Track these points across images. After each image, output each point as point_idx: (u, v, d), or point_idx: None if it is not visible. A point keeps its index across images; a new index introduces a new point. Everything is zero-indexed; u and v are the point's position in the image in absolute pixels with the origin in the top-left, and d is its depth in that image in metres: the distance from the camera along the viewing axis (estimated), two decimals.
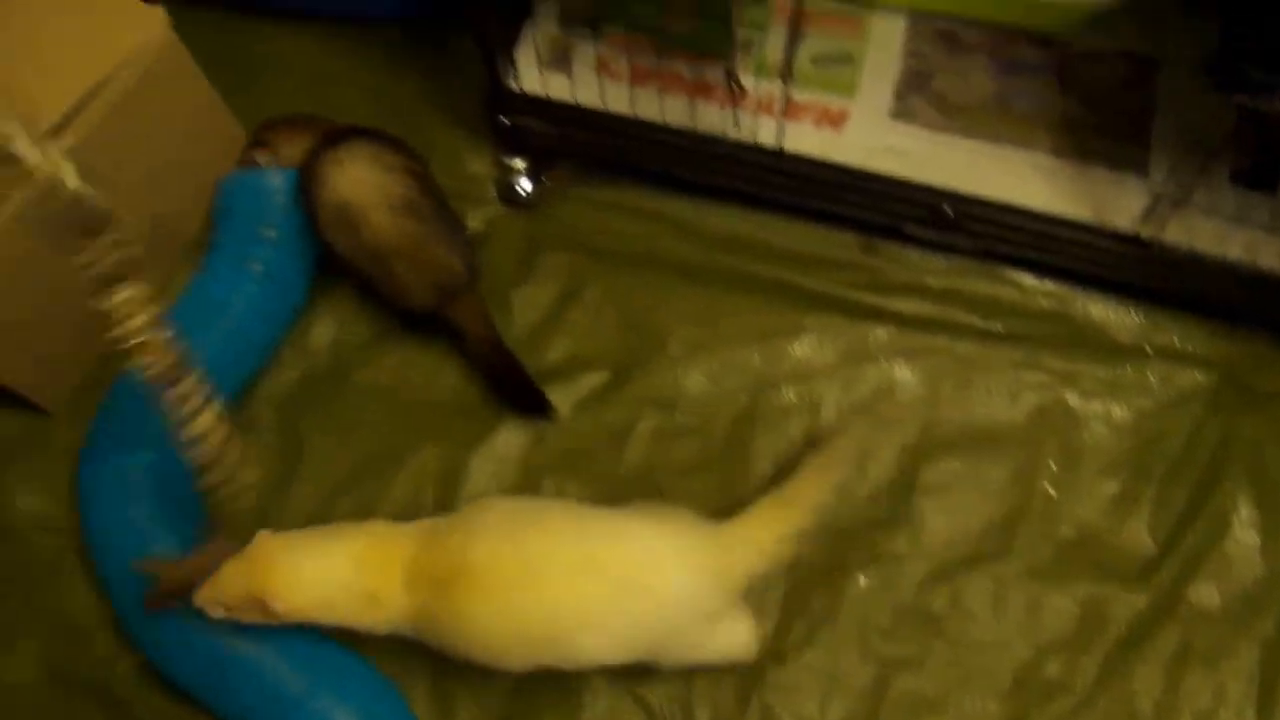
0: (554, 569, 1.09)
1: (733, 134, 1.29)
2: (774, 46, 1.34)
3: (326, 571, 1.10)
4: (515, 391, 1.37)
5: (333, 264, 1.37)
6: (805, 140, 1.32)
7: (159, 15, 1.26)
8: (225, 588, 1.09)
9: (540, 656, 1.12)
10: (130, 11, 1.27)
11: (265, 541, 1.10)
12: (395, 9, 1.54)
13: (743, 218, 1.43)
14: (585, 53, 1.35)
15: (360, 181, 1.31)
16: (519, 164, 1.43)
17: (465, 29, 1.49)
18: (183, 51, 1.30)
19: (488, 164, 1.48)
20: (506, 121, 1.36)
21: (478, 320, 1.37)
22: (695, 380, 1.37)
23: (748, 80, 1.31)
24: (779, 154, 1.30)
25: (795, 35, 1.13)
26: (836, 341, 1.36)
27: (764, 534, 1.15)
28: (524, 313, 1.41)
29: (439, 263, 1.33)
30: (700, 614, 1.13)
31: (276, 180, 1.40)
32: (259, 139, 1.41)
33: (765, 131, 1.30)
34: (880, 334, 1.36)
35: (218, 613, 1.10)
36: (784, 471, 1.24)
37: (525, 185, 1.44)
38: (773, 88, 1.28)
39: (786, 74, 1.18)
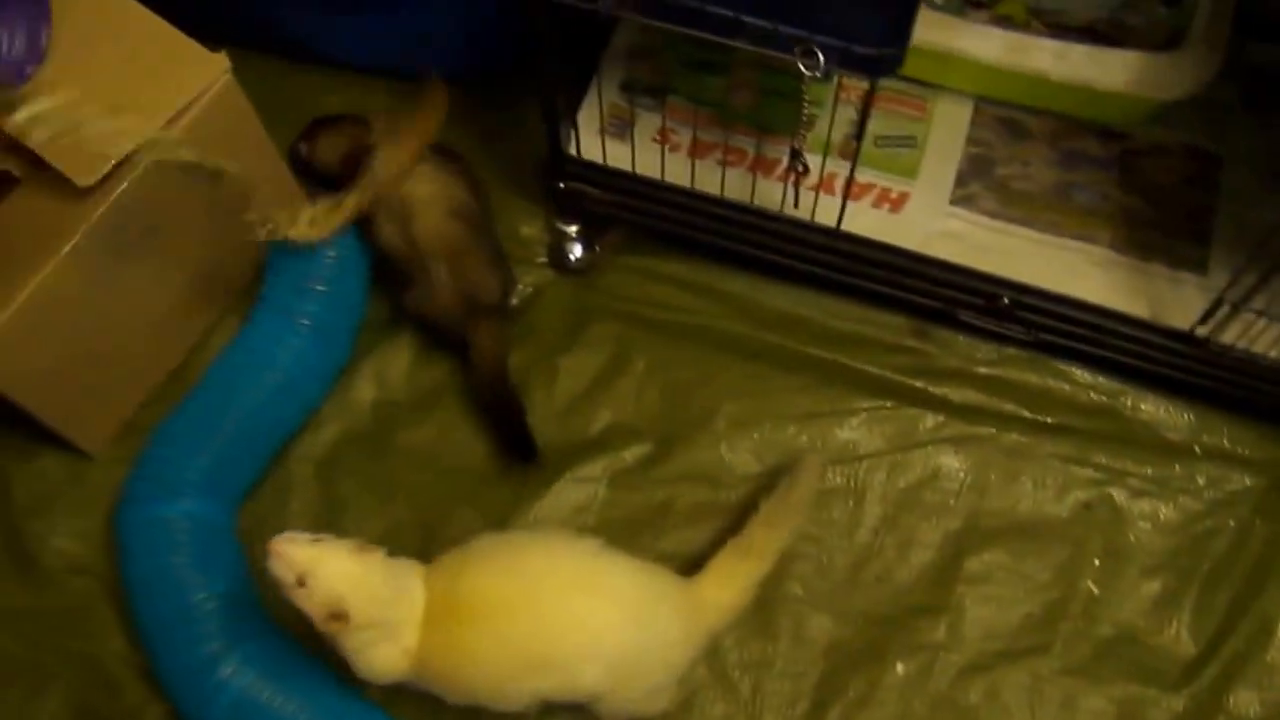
0: (551, 590, 1.10)
1: (790, 211, 1.27)
2: (834, 124, 1.32)
3: (398, 601, 1.10)
4: (509, 430, 1.37)
5: (373, 255, 1.40)
6: (863, 221, 1.32)
7: (221, 61, 1.26)
8: (327, 569, 1.06)
9: (538, 687, 1.12)
10: (194, 56, 1.28)
11: (374, 554, 1.10)
12: (457, 68, 1.54)
13: (794, 295, 1.43)
14: (647, 122, 1.34)
15: (425, 177, 1.34)
16: (572, 229, 1.43)
17: (526, 90, 1.49)
18: (242, 99, 1.31)
19: (540, 228, 1.48)
20: (563, 186, 1.35)
21: (496, 346, 1.38)
22: (740, 457, 1.36)
23: (810, 158, 1.30)
24: (836, 233, 1.28)
25: (865, 118, 1.12)
26: (884, 425, 1.35)
27: (727, 593, 1.18)
28: (569, 380, 1.40)
29: (478, 275, 1.35)
30: (675, 666, 1.15)
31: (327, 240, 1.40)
32: (307, 132, 1.44)
33: (823, 210, 1.29)
34: (929, 420, 1.35)
35: (289, 575, 1.06)
36: (747, 511, 1.25)
37: (577, 251, 1.43)
38: (833, 166, 1.26)
39: (855, 155, 1.16)
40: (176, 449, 1.34)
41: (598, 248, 1.44)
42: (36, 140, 1.21)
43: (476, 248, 1.36)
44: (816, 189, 1.29)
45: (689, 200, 1.32)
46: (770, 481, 1.31)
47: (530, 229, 1.49)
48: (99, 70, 1.26)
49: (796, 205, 1.29)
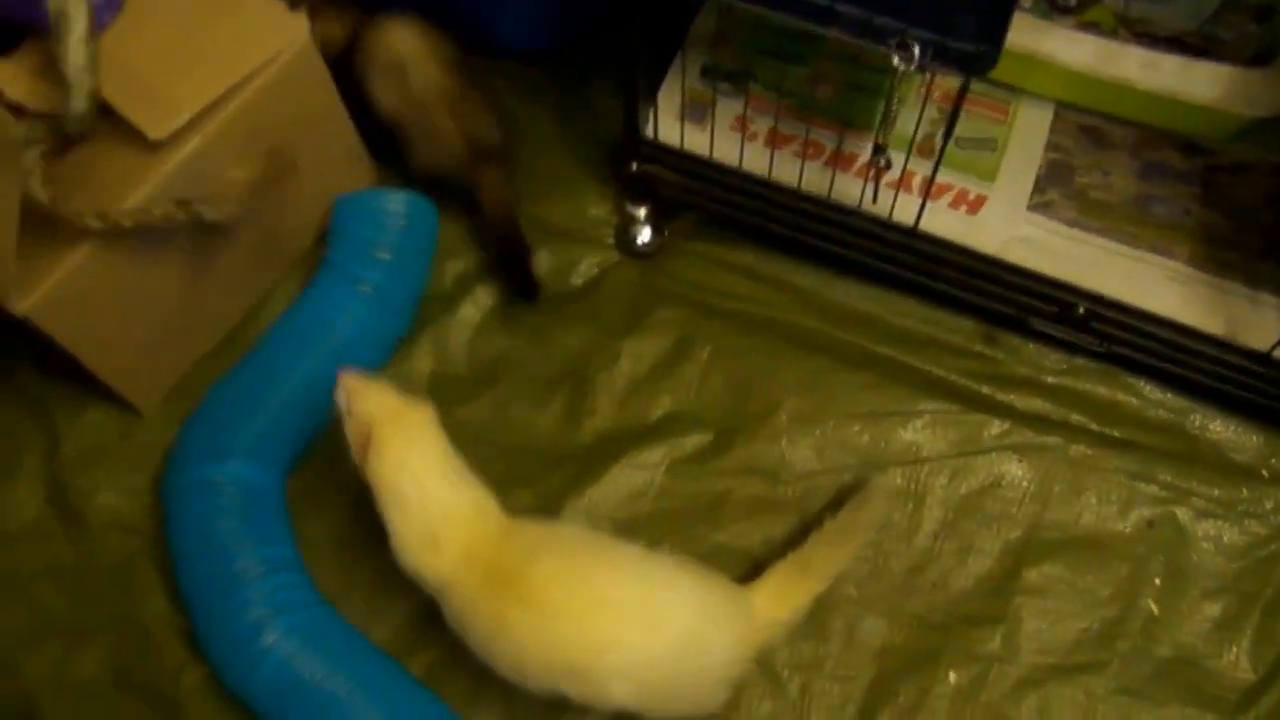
0: (607, 609, 1.08)
1: (868, 207, 1.25)
2: (912, 122, 1.30)
3: (433, 481, 1.12)
4: (515, 271, 1.41)
5: (374, 125, 1.42)
6: (939, 221, 1.30)
7: (301, 24, 1.25)
8: (367, 400, 1.12)
9: (559, 684, 1.10)
10: (274, 15, 1.27)
11: (424, 411, 1.13)
12: (533, 42, 1.53)
13: (863, 292, 1.41)
14: (725, 108, 1.32)
15: (414, 38, 1.37)
16: (641, 213, 1.41)
17: (598, 69, 1.48)
18: (319, 62, 1.29)
19: (608, 209, 1.46)
20: (636, 168, 1.33)
21: (503, 189, 1.41)
22: (800, 453, 1.34)
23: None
24: (913, 233, 1.26)
25: (955, 117, 1.09)
26: (949, 429, 1.33)
27: (781, 609, 1.16)
28: (630, 363, 1.39)
29: (478, 118, 1.37)
30: (723, 681, 1.13)
31: (395, 204, 1.38)
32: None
33: (900, 208, 1.28)
34: (994, 427, 1.34)
35: (342, 398, 1.13)
36: (811, 526, 1.23)
37: (645, 235, 1.41)
38: (912, 165, 1.25)
39: (939, 155, 1.14)
40: (229, 411, 1.33)
41: (666, 232, 1.42)
42: (109, 91, 1.19)
43: (472, 92, 1.38)
44: (895, 186, 1.27)
45: (765, 190, 1.30)
46: (836, 496, 1.30)
47: (598, 210, 1.47)
48: (177, 23, 1.26)
49: (875, 201, 1.26)
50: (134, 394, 1.39)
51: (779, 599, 1.17)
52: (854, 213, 1.29)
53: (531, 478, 1.34)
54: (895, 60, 1.04)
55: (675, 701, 1.13)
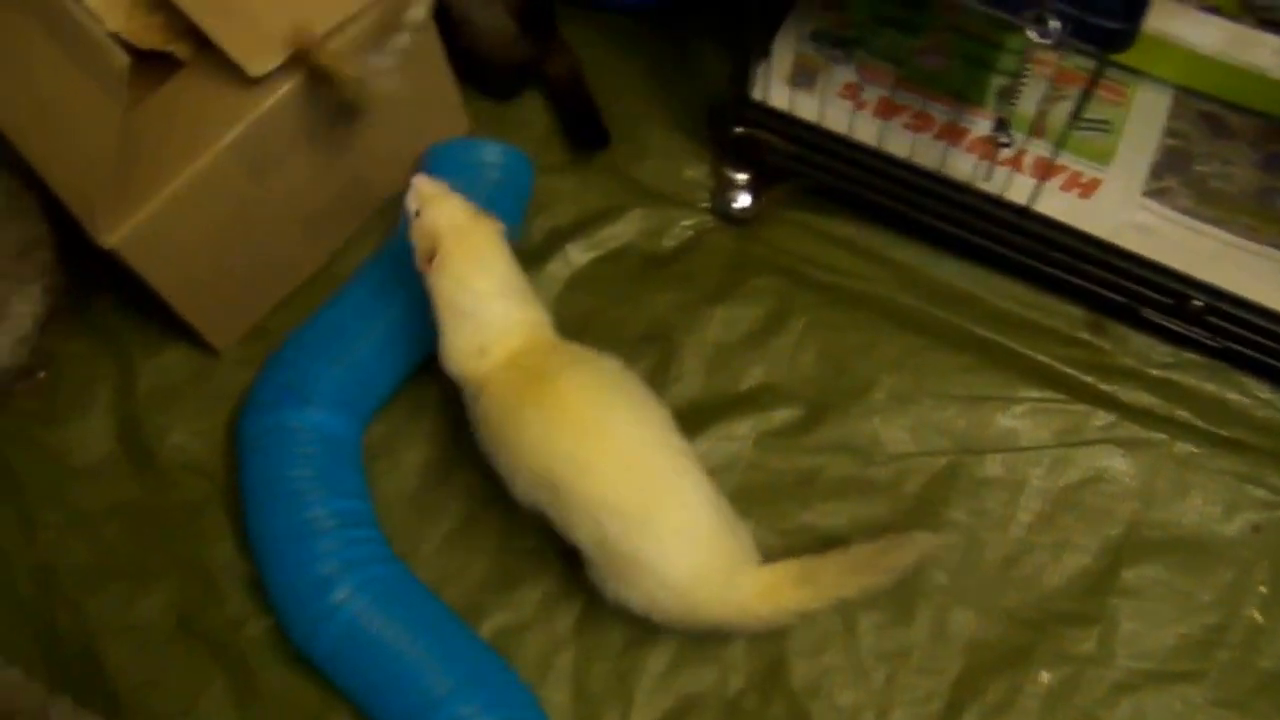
0: (610, 446, 1.08)
1: (981, 185, 1.19)
2: (1028, 99, 1.25)
3: (492, 300, 1.13)
4: (583, 119, 1.42)
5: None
6: (1051, 203, 1.25)
7: None
8: (437, 210, 1.14)
9: (540, 497, 1.10)
10: None
11: (490, 226, 1.15)
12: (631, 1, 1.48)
13: (966, 271, 1.36)
14: (834, 75, 1.27)
15: None
16: (741, 178, 1.36)
17: (696, 28, 1.46)
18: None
19: (704, 172, 1.42)
20: (740, 132, 1.27)
21: (564, 49, 1.44)
22: (894, 433, 1.29)
23: (987, 125, 1.25)
24: (1025, 213, 1.20)
25: (1087, 96, 1.04)
26: (1050, 418, 1.28)
27: (767, 605, 1.11)
28: (721, 330, 1.35)
29: None
30: (676, 609, 1.10)
31: (491, 154, 1.34)
32: None
33: (1009, 187, 1.23)
34: (1098, 418, 1.29)
35: (413, 203, 1.16)
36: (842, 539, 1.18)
37: (743, 200, 1.37)
38: (1024, 143, 1.20)
39: (1062, 135, 1.11)
40: (309, 357, 1.29)
41: (764, 198, 1.37)
42: (208, 23, 1.15)
43: None
44: (1008, 164, 1.22)
45: (874, 161, 1.25)
46: (882, 528, 1.25)
47: (694, 172, 1.43)
48: None
49: (988, 178, 1.20)
50: (213, 334, 1.36)
51: (770, 593, 1.11)
52: (965, 189, 1.23)
53: None
54: (1031, 34, 0.97)
55: (626, 581, 1.09)
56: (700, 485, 1.10)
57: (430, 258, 1.11)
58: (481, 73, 1.42)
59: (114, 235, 1.16)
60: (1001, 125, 1.14)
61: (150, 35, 1.28)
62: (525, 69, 1.44)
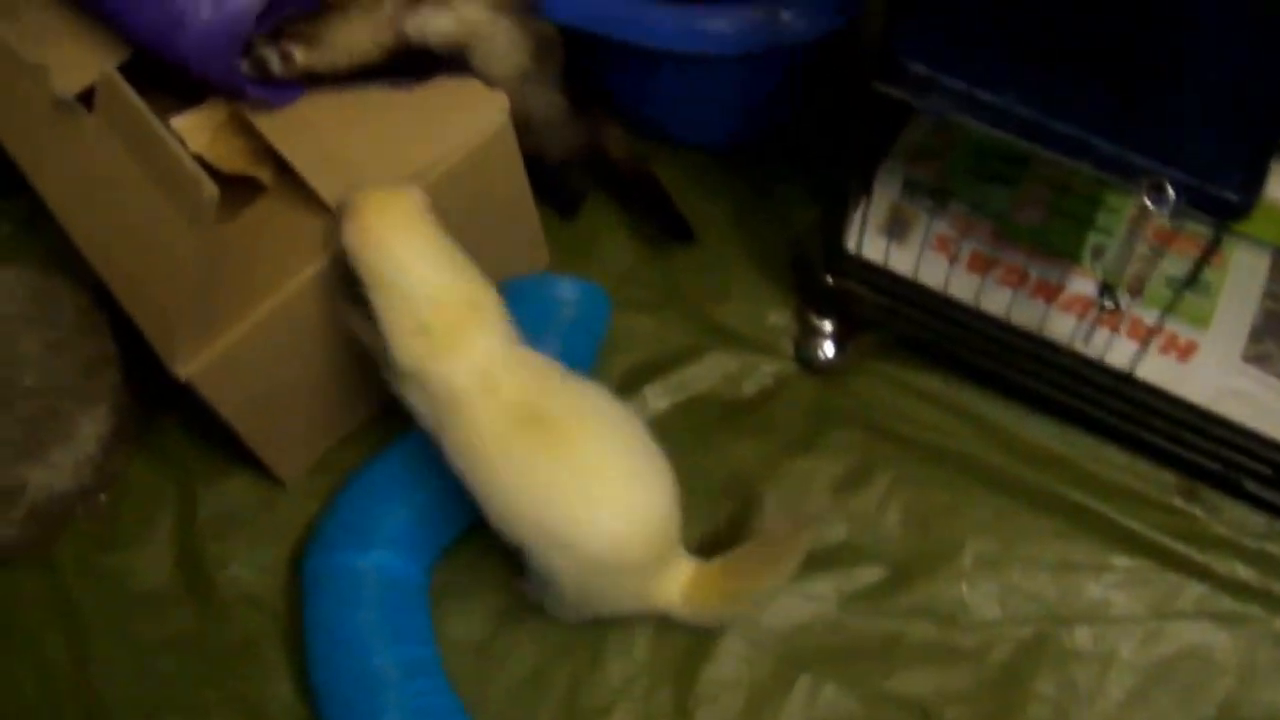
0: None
1: (1080, 348, 1.16)
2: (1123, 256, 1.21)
3: (417, 257, 1.09)
4: (662, 212, 1.40)
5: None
6: (1148, 367, 1.22)
7: (500, 100, 1.21)
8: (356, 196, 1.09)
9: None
10: (474, 96, 1.23)
11: (413, 195, 1.11)
12: (713, 138, 1.50)
13: (1055, 431, 1.33)
14: (926, 227, 1.24)
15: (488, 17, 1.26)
16: (826, 326, 1.33)
17: (780, 170, 1.46)
18: (513, 144, 1.23)
19: (788, 317, 1.39)
20: (831, 282, 1.24)
21: (626, 139, 1.40)
22: (981, 600, 1.26)
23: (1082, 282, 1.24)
24: (1124, 378, 1.17)
25: (1203, 264, 1.01)
26: (1142, 588, 1.24)
27: (697, 596, 1.14)
28: (803, 484, 1.31)
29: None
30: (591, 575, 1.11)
31: (568, 291, 1.31)
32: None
33: (1106, 347, 1.21)
34: (1192, 590, 1.25)
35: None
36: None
37: (828, 349, 1.34)
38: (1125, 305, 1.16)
39: (1173, 299, 1.09)
40: (378, 496, 1.26)
41: (849, 348, 1.33)
42: (297, 159, 1.17)
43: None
44: (1105, 325, 1.20)
45: (969, 319, 1.21)
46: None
47: (777, 317, 1.40)
48: (372, 99, 1.23)
49: (1087, 341, 1.17)
50: (280, 464, 1.32)
51: (701, 586, 1.14)
52: (1062, 350, 1.19)
53: None
54: (1146, 202, 0.94)
55: (559, 554, 1.09)
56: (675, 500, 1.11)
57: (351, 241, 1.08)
58: (545, 173, 1.38)
59: (190, 366, 1.14)
60: (1107, 290, 1.11)
61: (233, 159, 1.28)
62: (586, 157, 1.41)
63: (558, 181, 1.42)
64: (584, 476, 1.06)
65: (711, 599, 1.15)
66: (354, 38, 1.20)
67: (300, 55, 1.17)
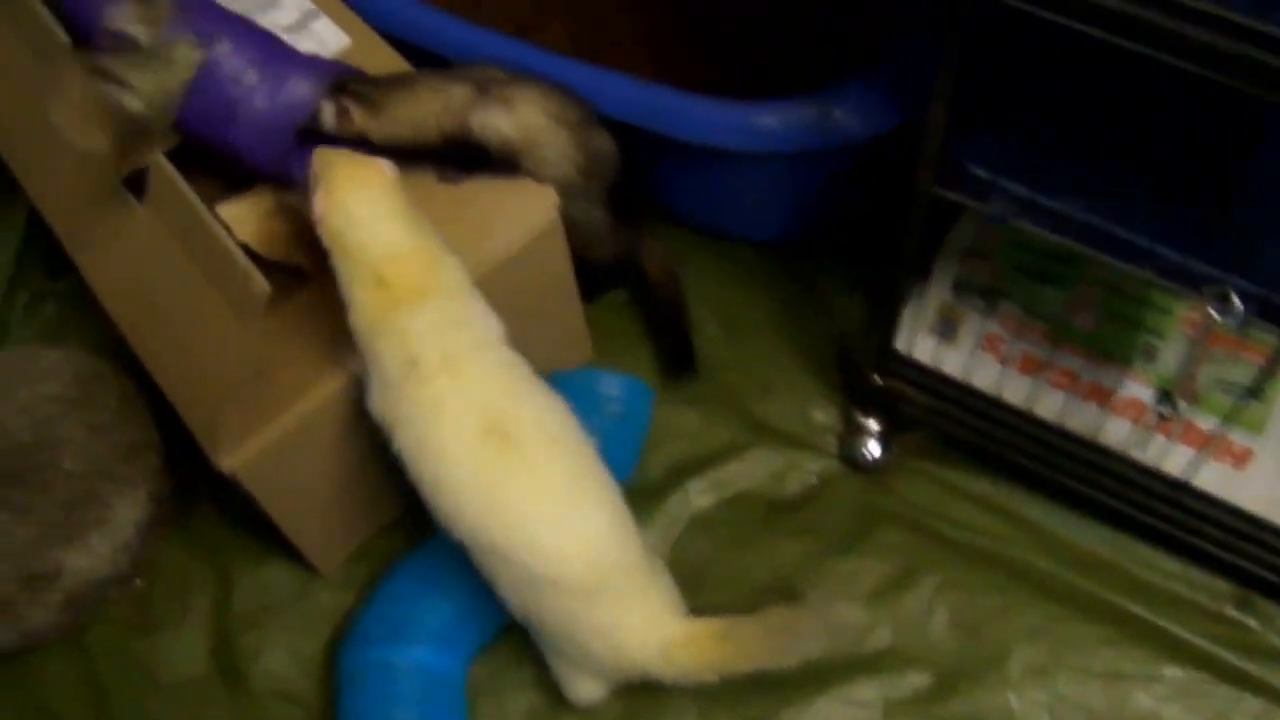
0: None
1: (1135, 454, 1.13)
2: (1174, 357, 1.23)
3: (380, 216, 1.09)
4: (676, 341, 1.38)
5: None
6: (1202, 474, 1.20)
7: (551, 196, 1.21)
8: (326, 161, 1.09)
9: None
10: (526, 188, 1.23)
11: (381, 165, 1.11)
12: (764, 233, 1.50)
13: (1104, 536, 1.30)
14: (975, 326, 1.22)
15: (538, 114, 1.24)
16: (872, 425, 1.31)
17: (825, 263, 1.45)
18: (561, 240, 1.23)
19: (833, 415, 1.37)
20: (880, 381, 1.22)
21: (664, 254, 1.38)
22: (1030, 709, 1.23)
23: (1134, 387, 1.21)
24: (1179, 486, 1.14)
25: (1270, 373, 0.99)
26: (1195, 701, 1.22)
27: (687, 658, 1.08)
28: (846, 586, 1.29)
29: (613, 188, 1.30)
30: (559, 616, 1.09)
31: (612, 386, 1.29)
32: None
33: (1157, 453, 1.19)
34: (1248, 704, 1.21)
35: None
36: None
37: (874, 449, 1.31)
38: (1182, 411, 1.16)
39: (1233, 411, 1.06)
40: (418, 590, 1.24)
41: (895, 447, 1.30)
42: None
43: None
44: (1159, 430, 1.18)
45: (1020, 422, 1.19)
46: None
47: (822, 414, 1.39)
48: (423, 195, 1.19)
49: (1141, 447, 1.14)
50: (317, 555, 1.31)
51: (691, 645, 1.08)
52: (1115, 456, 1.17)
53: (729, 698, 1.23)
54: (1211, 313, 0.93)
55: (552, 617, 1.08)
56: (630, 533, 1.08)
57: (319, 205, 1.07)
58: (577, 265, 1.37)
59: (233, 459, 1.12)
60: (1166, 397, 1.09)
61: (277, 246, 1.27)
62: (622, 265, 1.39)
63: (587, 274, 1.39)
64: (530, 489, 1.05)
65: (697, 661, 1.09)
66: (417, 115, 1.19)
67: (358, 117, 1.17)
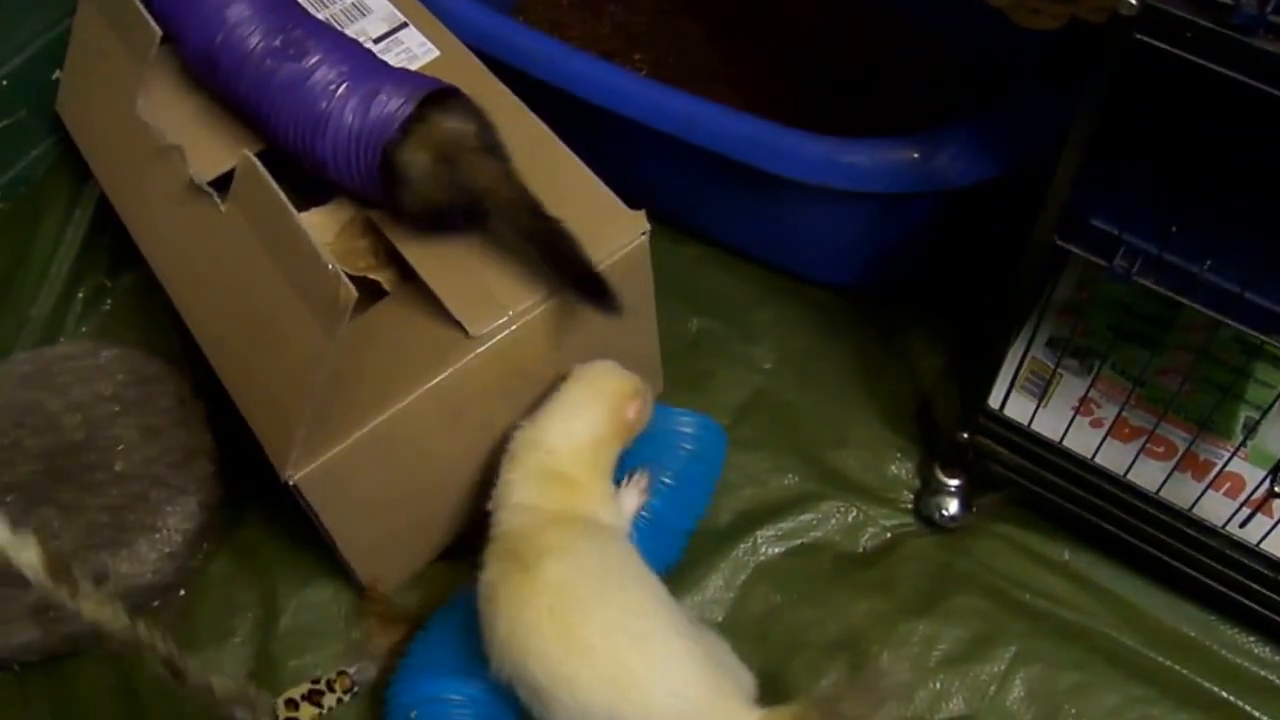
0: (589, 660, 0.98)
1: (1234, 531, 1.05)
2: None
3: None
4: (573, 267, 1.11)
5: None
6: None
7: (640, 222, 1.15)
8: None
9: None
10: (614, 211, 1.17)
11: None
12: (846, 278, 1.43)
13: (1193, 615, 1.22)
14: (1068, 386, 1.14)
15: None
16: (953, 483, 1.22)
17: (910, 316, 1.39)
18: (647, 263, 1.18)
19: (910, 470, 1.29)
20: (968, 439, 1.14)
21: (510, 176, 1.13)
22: None
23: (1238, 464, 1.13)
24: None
25: None
26: None
27: None
28: (919, 650, 1.20)
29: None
30: None
31: (686, 426, 1.22)
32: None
33: (1254, 530, 1.11)
34: None
35: None
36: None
37: (952, 508, 1.23)
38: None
39: None
40: (467, 626, 1.15)
41: (974, 507, 1.22)
42: (436, 280, 1.12)
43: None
44: (1254, 506, 1.09)
45: (1112, 488, 1.10)
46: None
47: (897, 469, 1.31)
48: None
49: (1244, 525, 1.06)
50: (370, 578, 1.21)
51: None
52: (1213, 532, 1.08)
53: None
54: None
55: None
56: (683, 647, 1.00)
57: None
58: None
59: (299, 470, 1.06)
60: (1276, 477, 1.00)
61: (354, 260, 1.20)
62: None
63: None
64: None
65: None
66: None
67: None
